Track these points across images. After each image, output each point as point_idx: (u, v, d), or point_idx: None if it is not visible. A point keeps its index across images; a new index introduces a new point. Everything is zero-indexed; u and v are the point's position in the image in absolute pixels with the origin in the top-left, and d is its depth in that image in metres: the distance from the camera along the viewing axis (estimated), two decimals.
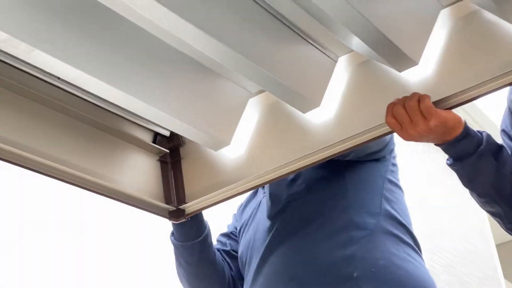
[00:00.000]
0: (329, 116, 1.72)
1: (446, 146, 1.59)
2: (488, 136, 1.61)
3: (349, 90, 1.72)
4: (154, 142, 1.93)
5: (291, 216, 1.86)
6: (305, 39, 1.67)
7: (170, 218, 1.88)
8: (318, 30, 1.64)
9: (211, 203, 1.86)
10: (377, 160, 1.87)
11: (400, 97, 1.58)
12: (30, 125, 1.60)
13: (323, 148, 1.69)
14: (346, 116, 1.70)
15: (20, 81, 1.58)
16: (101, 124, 1.76)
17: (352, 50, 1.72)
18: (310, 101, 1.69)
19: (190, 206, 1.88)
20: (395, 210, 1.85)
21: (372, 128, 1.63)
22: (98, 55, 1.48)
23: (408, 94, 1.57)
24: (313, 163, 1.71)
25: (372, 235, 1.78)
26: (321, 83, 1.71)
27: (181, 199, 1.89)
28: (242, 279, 2.03)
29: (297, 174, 1.88)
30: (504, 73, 1.51)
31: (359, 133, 1.65)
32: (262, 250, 1.86)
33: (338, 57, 1.74)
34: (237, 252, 2.06)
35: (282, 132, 1.78)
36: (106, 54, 1.49)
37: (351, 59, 1.73)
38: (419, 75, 1.63)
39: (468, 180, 1.63)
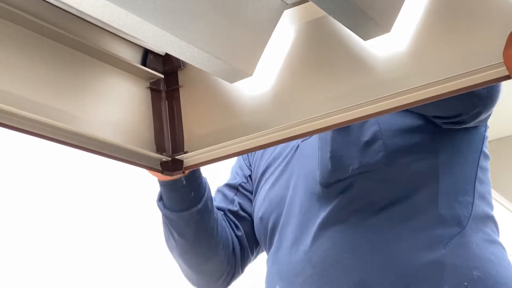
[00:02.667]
0: (403, 46, 1.18)
1: None
2: None
3: (435, 10, 1.17)
4: (143, 63, 1.39)
5: (359, 192, 1.37)
6: None
7: (162, 171, 1.36)
8: None
9: (221, 155, 1.32)
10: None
11: None
12: None
13: (394, 94, 1.16)
14: (431, 49, 1.16)
15: None
16: (65, 37, 1.20)
17: None
18: (378, 24, 1.14)
19: (190, 157, 1.36)
20: (485, 197, 1.39)
21: (473, 71, 1.10)
22: None
23: None
24: (375, 113, 1.18)
25: (464, 234, 1.34)
26: None
27: (179, 146, 1.37)
28: (253, 239, 1.58)
29: (375, 135, 1.38)
30: None
31: (449, 78, 1.12)
32: (313, 227, 1.39)
33: None
34: (246, 212, 1.58)
35: (331, 64, 1.24)
36: None
37: None
38: None
39: None
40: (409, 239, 1.33)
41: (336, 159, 1.40)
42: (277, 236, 1.48)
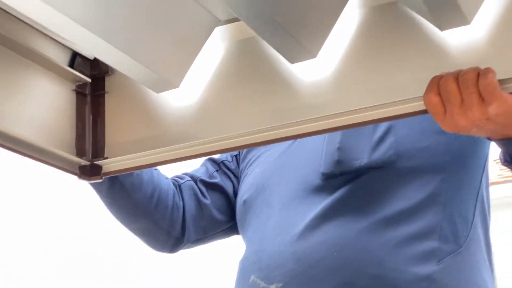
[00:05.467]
0: (327, 73, 1.20)
1: (507, 143, 1.11)
2: None
3: (362, 39, 1.20)
4: (71, 65, 1.37)
5: (362, 190, 1.31)
6: None
7: (80, 176, 1.35)
8: None
9: (141, 164, 1.32)
10: None
11: (439, 65, 1.10)
12: None
13: (316, 118, 1.18)
14: (355, 78, 1.19)
15: None
16: None
17: None
18: (305, 49, 1.17)
19: (110, 163, 1.35)
20: (485, 219, 1.36)
21: (394, 102, 1.13)
22: None
23: (450, 61, 1.11)
24: (295, 135, 1.20)
25: (460, 254, 1.29)
26: (324, 25, 1.19)
27: (99, 151, 1.36)
28: (226, 214, 1.55)
29: (388, 130, 1.33)
30: None
31: (371, 107, 1.15)
32: (305, 219, 1.32)
33: None
34: (222, 189, 1.56)
35: (256, 84, 1.25)
36: None
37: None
38: (469, 40, 1.13)
39: None
40: (404, 247, 1.27)
41: (344, 150, 1.33)
42: (259, 223, 1.40)
